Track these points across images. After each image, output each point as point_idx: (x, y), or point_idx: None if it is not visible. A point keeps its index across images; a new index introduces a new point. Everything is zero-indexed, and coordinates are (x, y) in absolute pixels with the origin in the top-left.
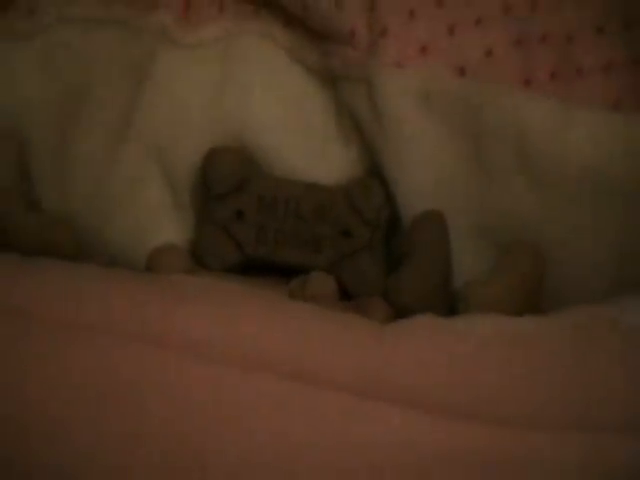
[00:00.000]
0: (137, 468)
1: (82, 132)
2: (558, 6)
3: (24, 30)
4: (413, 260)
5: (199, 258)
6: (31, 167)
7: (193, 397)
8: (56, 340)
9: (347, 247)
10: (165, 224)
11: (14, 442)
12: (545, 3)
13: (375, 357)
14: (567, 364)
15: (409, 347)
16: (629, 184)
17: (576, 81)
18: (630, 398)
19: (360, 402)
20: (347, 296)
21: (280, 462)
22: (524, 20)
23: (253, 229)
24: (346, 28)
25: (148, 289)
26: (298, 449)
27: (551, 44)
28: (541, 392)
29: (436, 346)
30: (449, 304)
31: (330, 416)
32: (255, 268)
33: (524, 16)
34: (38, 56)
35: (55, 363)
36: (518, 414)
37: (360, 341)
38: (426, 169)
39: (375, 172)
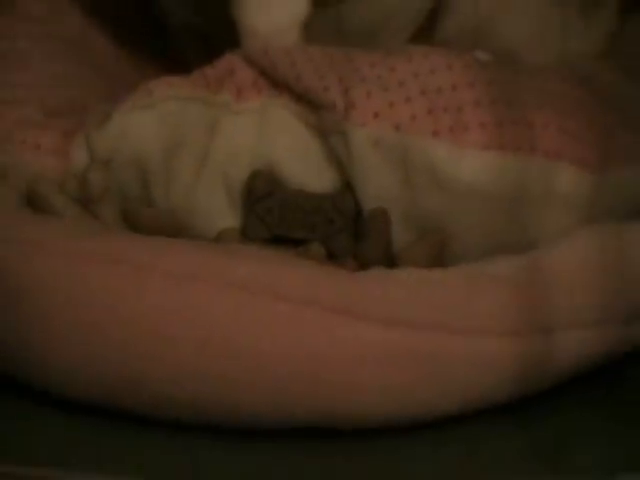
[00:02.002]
0: (201, 371)
1: (178, 167)
2: (452, 89)
3: (145, 104)
4: (369, 237)
5: (246, 235)
6: (149, 185)
7: (240, 319)
8: (177, 285)
9: (331, 230)
10: (225, 217)
11: (145, 366)
12: (445, 88)
13: (349, 289)
14: (461, 291)
15: (371, 283)
16: (500, 195)
17: (464, 134)
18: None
19: (336, 318)
20: (331, 258)
21: (272, 365)
22: (434, 98)
23: (277, 218)
24: (330, 102)
25: (220, 250)
26: (285, 356)
27: (449, 112)
28: (457, 306)
29: (387, 283)
30: (391, 262)
31: (314, 327)
32: (277, 241)
33: (434, 96)
34: (154, 121)
35: (177, 300)
36: (447, 322)
37: (339, 280)
38: (377, 186)
39: (348, 187)
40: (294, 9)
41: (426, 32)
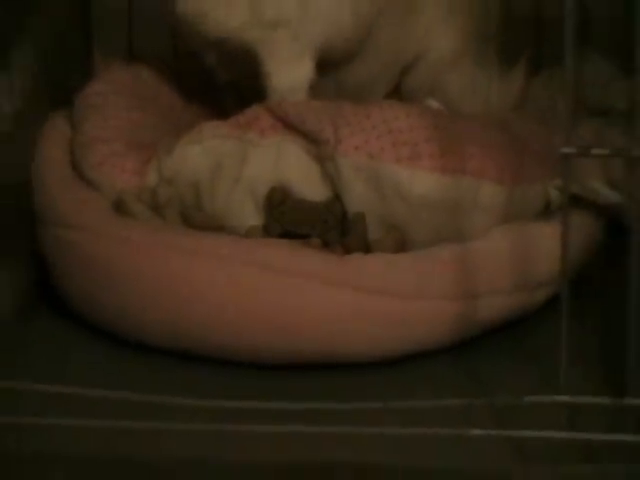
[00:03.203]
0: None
1: (219, 184)
2: (410, 130)
3: (197, 140)
4: (352, 232)
5: (266, 231)
6: (200, 196)
7: (261, 287)
8: (218, 263)
9: (326, 227)
10: (252, 219)
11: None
12: (405, 129)
13: (338, 268)
14: (416, 269)
15: (353, 264)
16: (443, 203)
17: (418, 161)
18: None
19: (330, 288)
20: (325, 247)
21: (281, 322)
22: (397, 136)
23: (288, 219)
24: (325, 139)
25: (248, 241)
26: (294, 314)
27: (408, 146)
28: (414, 279)
29: (364, 264)
30: (367, 250)
31: (315, 294)
32: (288, 235)
33: (397, 135)
34: (203, 152)
35: (217, 274)
36: (406, 287)
37: (331, 262)
38: (357, 197)
39: (337, 198)
40: (303, 76)
41: (396, 86)
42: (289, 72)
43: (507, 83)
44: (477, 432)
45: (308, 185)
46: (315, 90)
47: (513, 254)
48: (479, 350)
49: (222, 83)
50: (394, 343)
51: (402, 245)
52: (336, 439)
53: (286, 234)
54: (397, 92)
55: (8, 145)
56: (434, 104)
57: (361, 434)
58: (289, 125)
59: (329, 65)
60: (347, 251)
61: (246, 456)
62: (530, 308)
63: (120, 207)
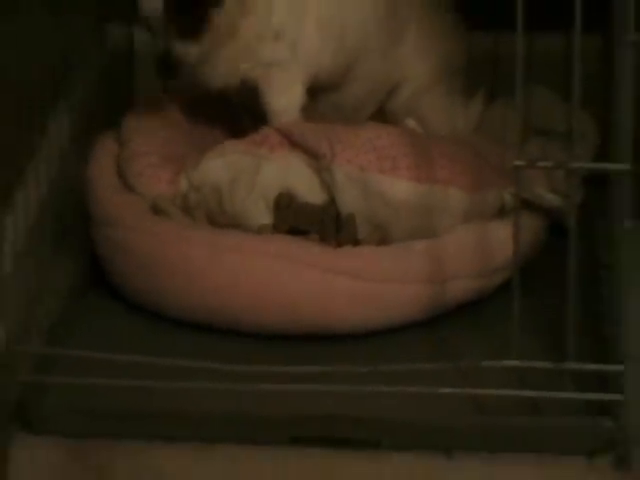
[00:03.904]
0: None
1: (237, 191)
2: (390, 146)
3: (219, 154)
4: (345, 230)
5: (275, 228)
6: (222, 201)
7: (269, 274)
8: (234, 254)
9: (323, 226)
10: (263, 218)
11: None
12: (387, 145)
13: (334, 258)
14: (396, 259)
15: (346, 255)
16: (418, 207)
17: (398, 172)
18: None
19: (328, 274)
20: (322, 241)
21: (283, 301)
22: (381, 151)
23: (292, 219)
24: (322, 154)
25: (259, 237)
26: (299, 296)
27: (389, 159)
28: (394, 266)
29: (355, 255)
30: (357, 244)
31: (316, 279)
32: (292, 232)
33: (381, 150)
34: (224, 165)
35: (232, 265)
36: (388, 273)
37: (328, 253)
38: (349, 201)
39: (333, 201)
40: (295, 100)
41: (381, 108)
42: (283, 98)
43: (470, 108)
44: (445, 390)
45: (309, 191)
46: (312, 112)
47: (475, 247)
48: (447, 324)
49: (238, 108)
50: (379, 319)
51: (384, 241)
52: (334, 396)
53: (291, 231)
54: (382, 113)
55: (67, 159)
56: (411, 124)
57: (353, 392)
58: (293, 142)
59: (319, 91)
60: (339, 245)
61: (259, 410)
62: (489, 290)
63: (157, 209)
